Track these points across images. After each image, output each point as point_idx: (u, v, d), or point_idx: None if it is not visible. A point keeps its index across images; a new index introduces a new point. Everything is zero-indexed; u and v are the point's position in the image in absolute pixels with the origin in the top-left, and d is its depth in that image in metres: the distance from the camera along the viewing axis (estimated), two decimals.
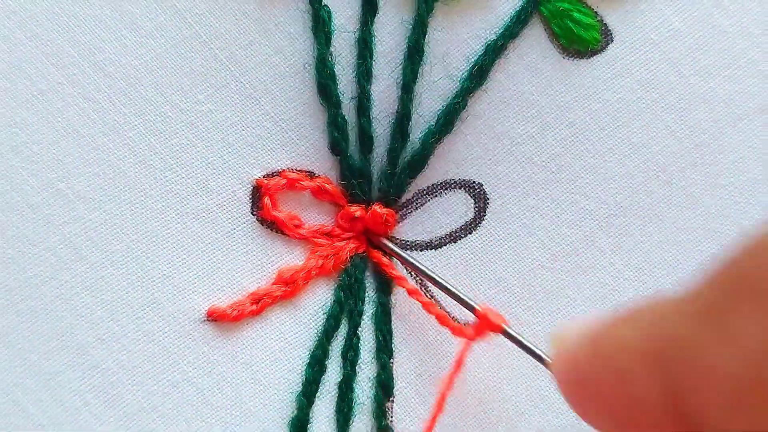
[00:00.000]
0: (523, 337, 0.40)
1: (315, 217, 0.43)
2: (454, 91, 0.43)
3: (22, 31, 0.40)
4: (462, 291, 0.42)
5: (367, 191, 0.43)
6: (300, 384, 0.42)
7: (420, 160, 0.43)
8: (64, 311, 0.40)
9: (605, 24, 0.43)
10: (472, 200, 0.44)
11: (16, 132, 0.40)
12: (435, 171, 0.43)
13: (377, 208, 0.43)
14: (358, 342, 0.43)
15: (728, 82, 0.44)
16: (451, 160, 0.43)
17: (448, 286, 0.42)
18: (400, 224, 0.44)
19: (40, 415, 0.40)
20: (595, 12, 0.43)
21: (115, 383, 0.41)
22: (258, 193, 0.42)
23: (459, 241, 0.44)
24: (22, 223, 0.40)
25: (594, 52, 0.43)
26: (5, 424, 0.40)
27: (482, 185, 0.43)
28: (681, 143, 0.44)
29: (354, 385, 0.42)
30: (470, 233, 0.44)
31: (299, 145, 0.42)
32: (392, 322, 0.43)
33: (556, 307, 0.43)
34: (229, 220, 0.42)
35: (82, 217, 0.41)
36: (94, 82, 0.40)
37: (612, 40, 0.43)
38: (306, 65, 0.42)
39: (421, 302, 0.43)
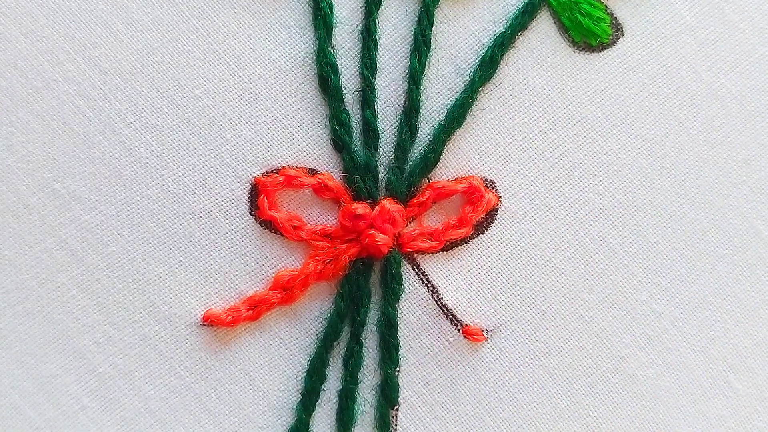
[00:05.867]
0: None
1: (318, 217, 0.46)
2: (463, 85, 0.46)
3: (17, 28, 0.44)
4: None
5: (373, 188, 0.45)
6: (299, 392, 0.45)
7: (433, 156, 0.45)
8: (61, 314, 0.44)
9: (615, 18, 0.46)
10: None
11: (12, 131, 0.44)
12: (446, 168, 0.46)
13: (387, 203, 0.45)
14: (360, 350, 0.45)
15: (740, 78, 0.47)
16: (462, 157, 0.46)
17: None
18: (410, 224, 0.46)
19: (37, 418, 0.44)
20: (605, 5, 0.46)
21: (112, 387, 0.45)
22: (256, 192, 0.45)
23: (470, 242, 0.46)
24: (18, 225, 0.44)
25: (604, 47, 0.46)
26: (3, 426, 0.44)
27: (494, 183, 0.46)
28: (693, 140, 0.47)
29: (355, 394, 0.45)
30: (482, 234, 0.46)
31: (300, 141, 0.45)
32: (399, 331, 0.46)
33: (570, 310, 0.46)
34: (227, 221, 0.45)
35: (78, 218, 0.44)
36: (89, 78, 0.44)
37: (623, 34, 0.46)
38: (306, 58, 0.45)
39: None
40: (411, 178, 0.45)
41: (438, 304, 0.46)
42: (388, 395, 0.45)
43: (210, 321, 0.45)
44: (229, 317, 0.45)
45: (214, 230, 0.45)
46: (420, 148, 0.46)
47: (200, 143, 0.45)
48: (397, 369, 0.46)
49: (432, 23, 0.45)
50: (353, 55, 0.46)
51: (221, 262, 0.45)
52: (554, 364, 0.46)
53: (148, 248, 0.45)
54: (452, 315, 0.46)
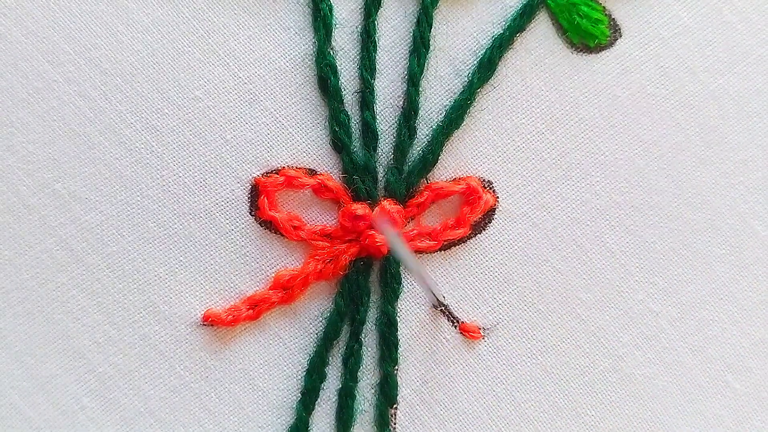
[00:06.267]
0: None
1: (318, 218, 0.46)
2: (462, 86, 0.46)
3: (18, 29, 0.44)
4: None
5: (372, 188, 0.46)
6: (299, 391, 0.46)
7: (432, 157, 0.46)
8: (61, 314, 0.45)
9: (613, 19, 0.47)
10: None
11: (12, 131, 0.44)
12: (444, 168, 0.46)
13: (386, 204, 0.45)
14: (360, 349, 0.46)
15: (738, 79, 0.47)
16: (460, 157, 0.46)
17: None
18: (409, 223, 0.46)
19: (37, 418, 0.44)
20: (603, 6, 0.47)
21: (111, 387, 0.45)
22: (256, 193, 0.45)
23: (468, 242, 0.46)
24: (19, 225, 0.44)
25: (602, 48, 0.47)
26: (3, 426, 0.44)
27: (492, 183, 0.46)
28: (690, 141, 0.47)
29: (355, 392, 0.46)
30: (479, 233, 0.46)
31: (300, 142, 0.46)
32: (398, 330, 0.46)
33: (566, 309, 0.47)
34: (227, 221, 0.45)
35: (78, 218, 0.45)
36: (90, 79, 0.44)
37: (621, 36, 0.47)
38: (306, 60, 0.45)
39: None
40: (410, 179, 0.46)
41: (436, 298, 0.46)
42: (388, 393, 0.46)
43: (210, 320, 0.45)
44: (230, 316, 0.45)
45: (215, 230, 0.45)
46: (418, 148, 0.46)
47: (200, 144, 0.45)
48: (396, 367, 0.46)
49: (431, 25, 0.46)
50: (353, 57, 0.46)
51: (221, 262, 0.45)
52: (552, 363, 0.47)
53: (149, 248, 0.45)
54: (449, 312, 0.46)
